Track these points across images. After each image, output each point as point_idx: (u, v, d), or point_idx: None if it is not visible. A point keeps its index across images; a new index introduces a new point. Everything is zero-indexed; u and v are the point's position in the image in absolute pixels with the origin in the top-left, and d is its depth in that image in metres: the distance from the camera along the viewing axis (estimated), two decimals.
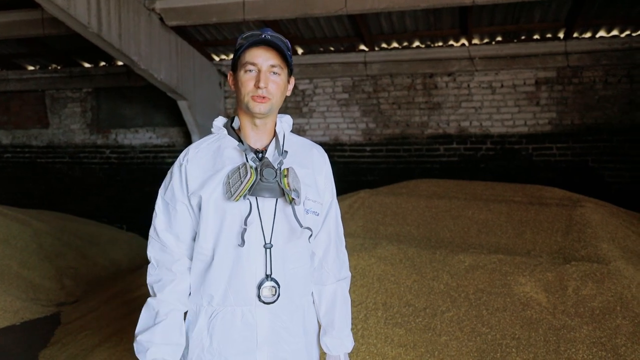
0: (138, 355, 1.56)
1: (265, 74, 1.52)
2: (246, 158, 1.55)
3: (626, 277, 3.12)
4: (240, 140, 1.60)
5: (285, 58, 1.55)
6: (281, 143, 1.62)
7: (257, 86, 1.51)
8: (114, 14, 5.19)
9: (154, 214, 1.64)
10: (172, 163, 1.70)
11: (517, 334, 2.79)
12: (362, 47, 6.95)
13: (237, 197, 1.48)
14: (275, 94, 1.55)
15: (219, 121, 1.67)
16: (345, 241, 1.81)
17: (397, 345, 2.79)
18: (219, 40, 7.00)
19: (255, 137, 1.62)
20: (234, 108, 7.65)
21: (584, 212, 3.95)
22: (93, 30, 4.92)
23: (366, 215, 4.35)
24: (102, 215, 8.00)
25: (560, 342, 2.71)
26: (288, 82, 1.62)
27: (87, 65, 8.00)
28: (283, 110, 7.43)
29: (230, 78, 1.63)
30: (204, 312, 1.56)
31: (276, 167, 1.54)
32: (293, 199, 1.51)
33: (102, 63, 7.90)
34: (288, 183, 1.50)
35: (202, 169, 1.57)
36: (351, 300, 1.81)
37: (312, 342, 1.68)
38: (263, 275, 1.52)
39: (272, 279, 1.52)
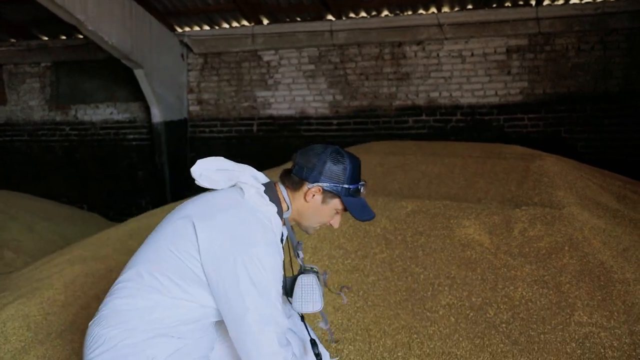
0: None
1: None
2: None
3: (579, 221, 2.86)
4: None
5: None
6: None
7: (329, 224, 1.66)
8: None
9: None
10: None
11: (452, 273, 2.52)
12: (330, 17, 6.68)
13: None
14: None
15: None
16: None
17: None
18: (180, 10, 6.72)
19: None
20: (197, 82, 7.33)
21: (542, 164, 3.69)
22: None
23: None
24: (61, 195, 7.68)
25: (498, 280, 2.44)
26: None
27: (45, 38, 7.68)
28: (248, 82, 7.16)
29: (319, 191, 1.59)
30: None
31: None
32: None
33: (62, 36, 7.59)
34: None
35: None
36: None
37: None
38: None
39: None
